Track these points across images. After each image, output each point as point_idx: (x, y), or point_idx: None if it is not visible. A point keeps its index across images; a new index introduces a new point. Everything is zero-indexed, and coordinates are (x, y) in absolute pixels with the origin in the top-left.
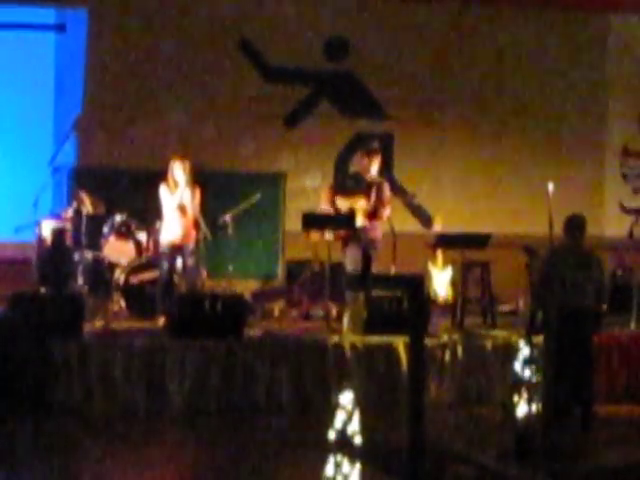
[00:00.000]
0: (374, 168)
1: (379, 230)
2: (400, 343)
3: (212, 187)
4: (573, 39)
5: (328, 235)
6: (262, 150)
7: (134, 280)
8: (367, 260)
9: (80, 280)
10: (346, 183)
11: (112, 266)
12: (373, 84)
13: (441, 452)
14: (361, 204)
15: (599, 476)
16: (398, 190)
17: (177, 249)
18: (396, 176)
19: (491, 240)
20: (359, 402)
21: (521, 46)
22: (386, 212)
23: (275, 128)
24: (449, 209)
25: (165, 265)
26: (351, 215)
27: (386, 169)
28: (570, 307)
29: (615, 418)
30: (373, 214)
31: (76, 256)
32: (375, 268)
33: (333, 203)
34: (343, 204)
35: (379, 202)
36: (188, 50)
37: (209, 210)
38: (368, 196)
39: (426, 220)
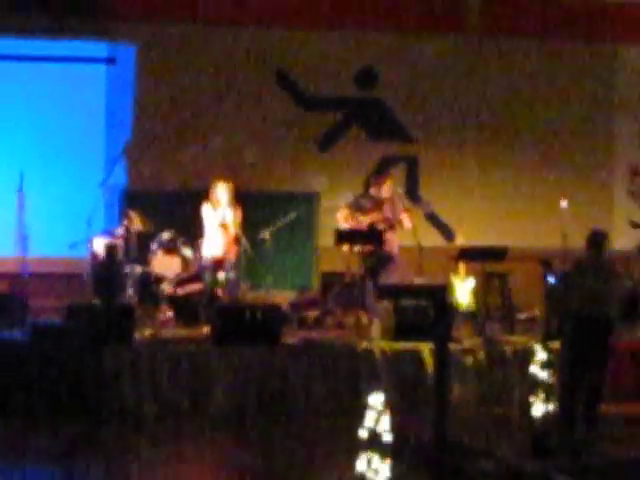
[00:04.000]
0: (385, 190)
1: (395, 243)
2: (426, 348)
3: (252, 206)
4: (582, 65)
5: (357, 249)
6: (298, 172)
7: (180, 291)
8: (375, 274)
9: (130, 292)
10: (360, 202)
11: (159, 279)
12: (399, 110)
13: (463, 448)
14: (379, 218)
15: (611, 470)
16: (417, 200)
17: (219, 263)
18: (421, 195)
19: (509, 253)
20: (388, 403)
21: (534, 72)
22: (406, 221)
23: (310, 151)
24: (470, 224)
25: (208, 278)
26: (376, 230)
27: (412, 188)
28: (590, 315)
29: (624, 416)
30: (392, 226)
31: (126, 270)
32: (397, 279)
33: (355, 220)
34: (363, 220)
35: (395, 213)
36: (229, 81)
37: (249, 227)
38: (382, 211)
39: (449, 234)
